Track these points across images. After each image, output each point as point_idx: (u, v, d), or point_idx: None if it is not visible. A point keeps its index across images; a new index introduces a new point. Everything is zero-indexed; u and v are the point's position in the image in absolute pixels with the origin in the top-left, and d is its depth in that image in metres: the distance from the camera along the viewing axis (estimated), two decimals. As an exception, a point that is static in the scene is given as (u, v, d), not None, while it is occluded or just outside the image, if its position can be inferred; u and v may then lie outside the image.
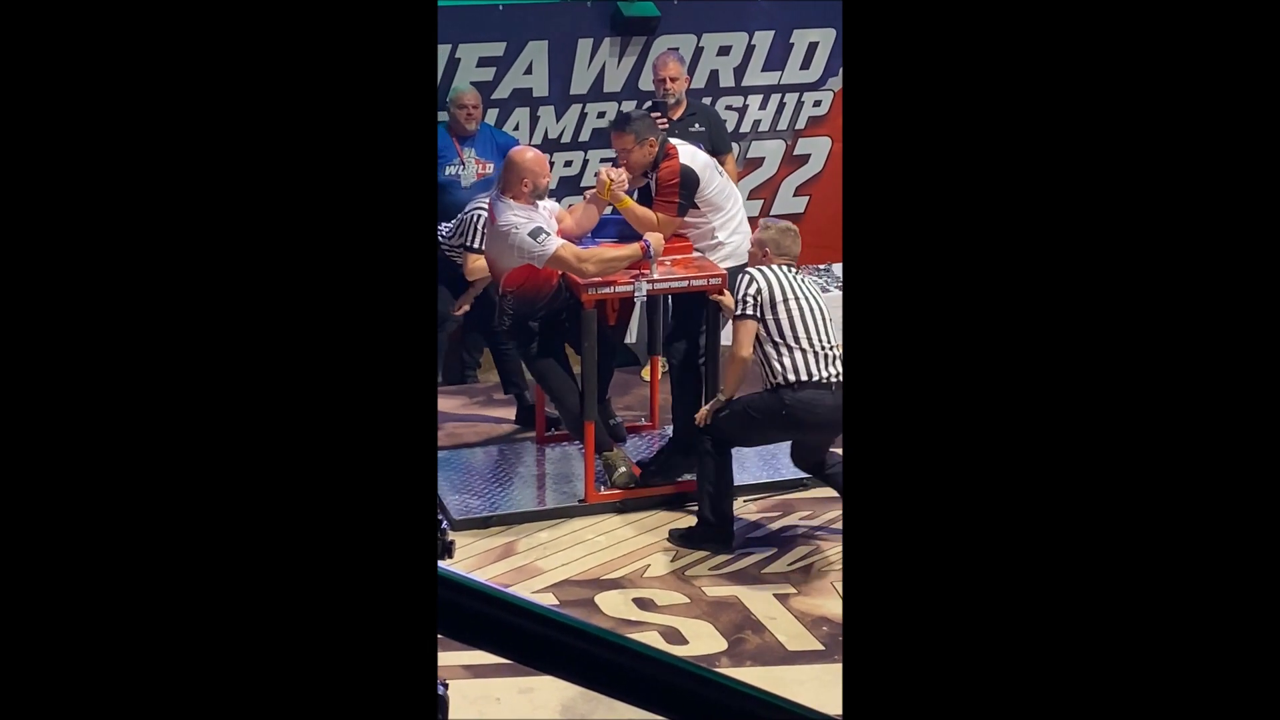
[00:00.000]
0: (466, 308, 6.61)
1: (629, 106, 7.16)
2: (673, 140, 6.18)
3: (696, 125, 6.90)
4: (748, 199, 7.78)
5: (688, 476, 6.11)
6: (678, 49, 7.36)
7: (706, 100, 7.58)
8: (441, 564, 3.16)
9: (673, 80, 6.98)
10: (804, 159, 8.02)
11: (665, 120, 6.70)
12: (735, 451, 5.93)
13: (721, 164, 6.45)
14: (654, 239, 5.91)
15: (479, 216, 6.33)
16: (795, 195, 8.07)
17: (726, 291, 5.93)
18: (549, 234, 5.76)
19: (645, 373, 7.19)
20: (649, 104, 7.08)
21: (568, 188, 7.47)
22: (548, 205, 6.01)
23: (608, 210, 6.07)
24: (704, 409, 5.76)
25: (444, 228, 6.56)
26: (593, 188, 6.11)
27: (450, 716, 3.18)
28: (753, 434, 5.73)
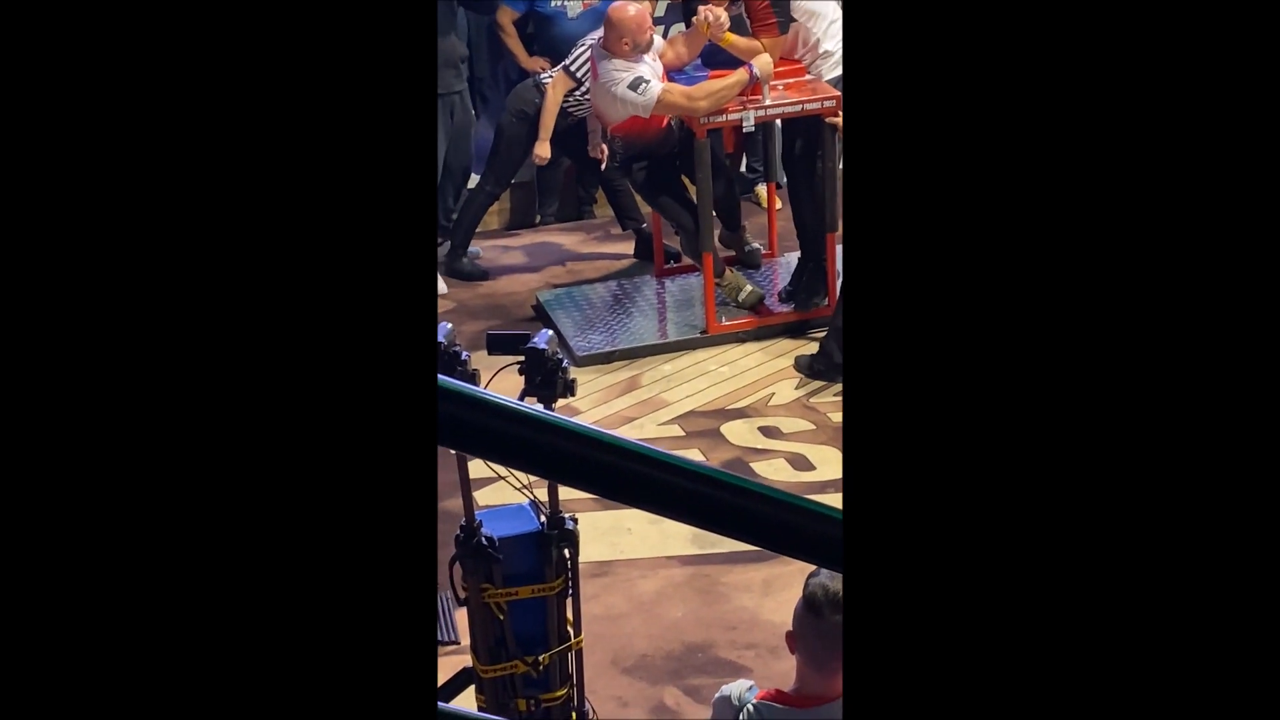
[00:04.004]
0: (605, 149, 6.46)
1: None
2: None
3: None
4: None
5: (823, 303, 6.10)
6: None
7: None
8: (562, 402, 3.18)
9: None
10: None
11: None
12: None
13: None
14: (760, 62, 5.81)
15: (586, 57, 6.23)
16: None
17: (841, 112, 5.83)
18: (649, 81, 5.71)
19: (762, 199, 7.12)
20: None
21: (675, 14, 7.34)
22: (654, 43, 5.93)
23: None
24: None
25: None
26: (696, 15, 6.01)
27: (581, 548, 3.25)
28: None
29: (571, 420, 1.05)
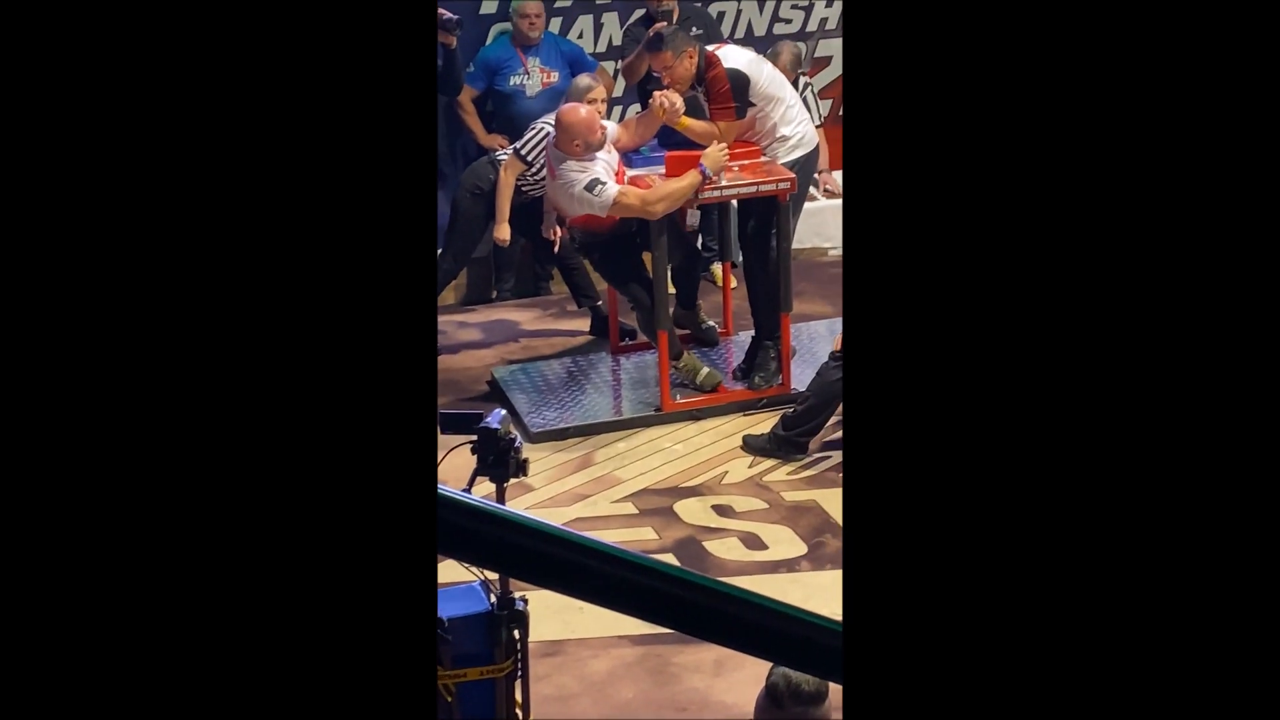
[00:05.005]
0: (558, 230, 6.49)
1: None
2: (709, 48, 6.12)
3: (695, 29, 6.79)
4: (819, 98, 7.68)
5: (777, 382, 6.13)
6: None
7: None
8: (515, 480, 3.15)
9: None
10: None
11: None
12: (807, 353, 5.89)
13: None
14: (709, 160, 5.86)
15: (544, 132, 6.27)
16: (865, 93, 7.93)
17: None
18: (605, 183, 5.77)
19: (717, 277, 7.16)
20: (639, 14, 7.02)
21: (632, 95, 7.40)
22: (608, 127, 5.98)
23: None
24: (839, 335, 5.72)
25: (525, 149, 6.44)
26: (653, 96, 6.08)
27: (532, 627, 3.23)
28: None
29: (519, 513, 1.06)
